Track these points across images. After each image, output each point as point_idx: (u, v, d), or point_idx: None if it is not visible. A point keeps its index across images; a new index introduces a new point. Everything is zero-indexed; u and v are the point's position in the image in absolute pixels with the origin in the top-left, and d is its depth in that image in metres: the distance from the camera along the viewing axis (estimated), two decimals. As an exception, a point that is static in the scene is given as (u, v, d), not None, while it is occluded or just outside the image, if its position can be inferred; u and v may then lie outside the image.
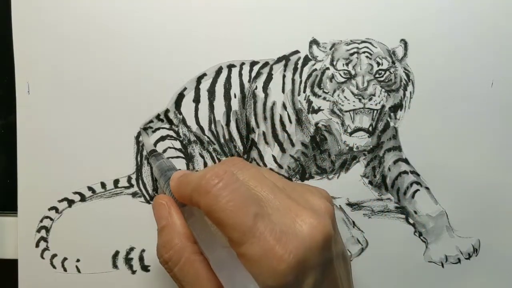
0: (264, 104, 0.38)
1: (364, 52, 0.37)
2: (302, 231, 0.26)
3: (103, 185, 0.38)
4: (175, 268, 0.29)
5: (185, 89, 0.38)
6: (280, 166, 0.38)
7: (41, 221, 0.39)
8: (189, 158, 0.39)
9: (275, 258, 0.25)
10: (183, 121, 0.38)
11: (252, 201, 0.26)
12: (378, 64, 0.37)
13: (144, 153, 0.38)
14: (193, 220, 0.30)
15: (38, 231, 0.39)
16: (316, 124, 0.38)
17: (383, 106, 0.38)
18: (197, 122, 0.38)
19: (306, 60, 0.38)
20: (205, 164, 0.39)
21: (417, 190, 0.38)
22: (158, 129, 0.38)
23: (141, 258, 0.39)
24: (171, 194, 0.31)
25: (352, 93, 0.37)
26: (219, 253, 0.28)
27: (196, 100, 0.38)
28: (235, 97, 0.38)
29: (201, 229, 0.29)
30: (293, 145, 0.38)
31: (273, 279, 0.25)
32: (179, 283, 0.29)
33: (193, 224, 0.30)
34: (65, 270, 0.39)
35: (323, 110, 0.38)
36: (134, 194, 0.39)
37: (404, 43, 0.37)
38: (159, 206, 0.30)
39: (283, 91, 0.38)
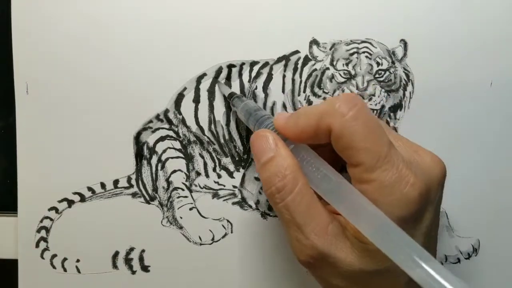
0: (264, 104, 0.38)
1: (364, 52, 0.37)
2: (425, 163, 0.28)
3: (102, 185, 0.38)
4: (288, 196, 0.27)
5: (185, 89, 0.38)
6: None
7: (41, 221, 0.39)
8: (189, 158, 0.39)
9: (409, 185, 0.25)
10: (183, 121, 0.38)
11: (384, 129, 0.27)
12: (378, 64, 0.37)
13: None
14: (300, 159, 0.28)
15: (38, 231, 0.39)
16: (316, 124, 0.38)
17: (383, 106, 0.38)
18: (197, 122, 0.38)
19: (306, 60, 0.38)
20: (205, 164, 0.39)
21: (417, 190, 0.38)
22: (158, 129, 0.38)
23: (141, 258, 0.39)
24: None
25: (352, 93, 0.37)
26: (334, 186, 0.27)
27: (196, 100, 0.38)
28: (235, 97, 0.38)
29: (310, 167, 0.28)
30: (293, 145, 0.38)
31: (405, 205, 0.25)
32: (289, 214, 0.27)
33: (301, 162, 0.28)
34: (65, 270, 0.39)
35: (323, 110, 0.38)
36: (134, 195, 0.39)
37: (404, 43, 0.37)
38: (262, 138, 0.28)
39: (283, 91, 0.38)
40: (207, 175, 0.39)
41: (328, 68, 0.37)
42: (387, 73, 0.37)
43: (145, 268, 0.39)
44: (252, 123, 0.32)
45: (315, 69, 0.38)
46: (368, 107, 0.28)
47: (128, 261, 0.39)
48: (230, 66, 0.38)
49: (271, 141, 0.28)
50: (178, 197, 0.39)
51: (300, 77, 0.38)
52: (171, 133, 0.38)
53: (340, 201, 0.26)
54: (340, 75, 0.37)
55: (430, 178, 0.27)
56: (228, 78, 0.38)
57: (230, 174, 0.39)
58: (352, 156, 0.26)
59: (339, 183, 0.27)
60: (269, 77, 0.38)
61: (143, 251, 0.39)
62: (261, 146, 0.28)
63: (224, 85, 0.37)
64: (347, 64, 0.37)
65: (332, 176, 0.27)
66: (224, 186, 0.39)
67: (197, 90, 0.38)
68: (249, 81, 0.38)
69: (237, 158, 0.39)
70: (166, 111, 0.38)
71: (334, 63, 0.37)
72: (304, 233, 0.27)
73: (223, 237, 0.39)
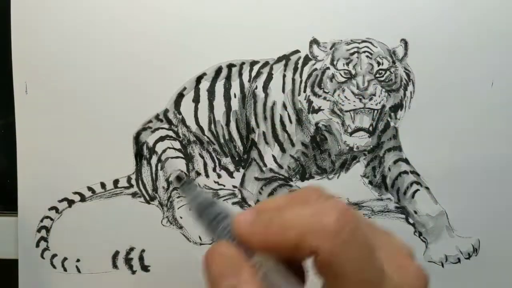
0: (264, 104, 0.38)
1: (364, 52, 0.37)
2: (412, 282, 0.24)
3: (103, 185, 0.38)
4: None
5: (184, 89, 0.38)
6: (280, 166, 0.38)
7: (41, 221, 0.39)
8: (188, 159, 0.39)
9: None
10: (183, 121, 0.38)
11: (374, 251, 0.23)
12: (379, 63, 0.37)
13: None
14: (264, 273, 0.24)
15: (38, 231, 0.39)
16: (316, 124, 0.38)
17: (383, 106, 0.37)
18: (197, 122, 0.38)
19: (307, 59, 0.37)
20: (205, 164, 0.39)
21: (417, 190, 0.38)
22: (158, 129, 0.38)
23: (141, 258, 0.39)
24: (228, 239, 0.24)
25: (353, 93, 0.37)
26: None
27: (196, 100, 0.38)
28: (235, 97, 0.38)
29: (274, 282, 0.24)
30: (293, 145, 0.38)
31: None
32: None
33: (264, 277, 0.24)
34: (65, 270, 0.39)
35: (323, 110, 0.38)
36: (134, 194, 0.39)
37: (405, 43, 0.37)
38: (221, 258, 0.23)
39: (283, 90, 0.38)
40: (207, 175, 0.39)
41: (328, 68, 0.37)
42: (388, 72, 0.37)
43: (145, 268, 0.39)
44: (204, 222, 0.26)
45: (316, 69, 0.37)
46: (361, 216, 0.23)
47: (128, 261, 0.39)
48: (230, 66, 0.38)
49: (232, 261, 0.23)
50: (178, 197, 0.39)
51: (301, 76, 0.38)
52: (170, 133, 0.38)
53: None
54: (341, 74, 0.37)
55: None
56: (228, 77, 0.38)
57: (230, 174, 0.39)
58: (337, 285, 0.22)
59: None
60: (269, 76, 0.38)
61: (143, 251, 0.39)
62: (220, 268, 0.23)
63: (171, 164, 0.34)
64: (347, 64, 0.37)
65: None
66: (224, 186, 0.39)
67: (197, 90, 0.38)
68: (249, 81, 0.38)
69: (237, 158, 0.39)
70: (165, 111, 0.38)
71: (335, 62, 0.37)
72: None
73: (223, 237, 0.39)
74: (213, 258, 0.23)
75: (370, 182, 0.39)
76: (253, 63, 0.38)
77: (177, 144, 0.38)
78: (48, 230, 0.39)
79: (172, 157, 0.38)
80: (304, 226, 0.22)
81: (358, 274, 0.22)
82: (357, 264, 0.22)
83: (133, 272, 0.39)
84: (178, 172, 0.32)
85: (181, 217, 0.39)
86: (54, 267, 0.39)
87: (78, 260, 0.39)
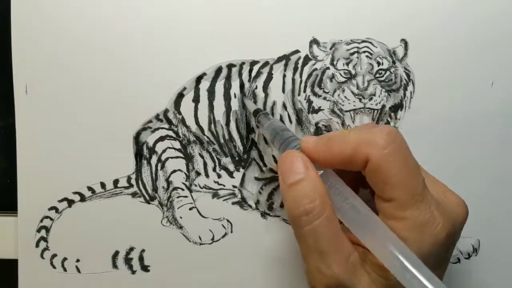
0: (264, 104, 0.38)
1: (364, 52, 0.37)
2: (452, 206, 0.28)
3: (102, 185, 0.38)
4: (316, 221, 0.26)
5: (184, 88, 0.38)
6: (280, 166, 0.38)
7: (41, 221, 0.39)
8: (188, 158, 0.39)
9: (439, 226, 0.25)
10: (183, 121, 0.38)
11: (419, 167, 0.27)
12: (379, 63, 0.37)
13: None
14: (328, 186, 0.28)
15: (38, 231, 0.39)
16: (317, 124, 0.38)
17: (383, 106, 0.37)
18: (197, 122, 0.38)
19: (306, 59, 0.37)
20: (205, 164, 0.39)
21: (417, 190, 0.38)
22: (157, 129, 0.38)
23: (141, 258, 0.39)
24: None
25: (353, 93, 0.37)
26: (362, 217, 0.26)
27: (196, 100, 0.38)
28: (235, 97, 0.38)
29: (338, 196, 0.27)
30: (293, 145, 0.38)
31: (434, 245, 0.25)
32: (314, 239, 0.26)
33: (329, 189, 0.28)
34: (65, 270, 0.39)
35: (323, 110, 0.38)
36: (133, 194, 0.39)
37: (405, 43, 0.37)
38: (292, 158, 0.28)
39: (283, 91, 0.38)
40: (207, 175, 0.39)
41: (328, 68, 0.37)
42: (388, 72, 0.37)
43: (145, 268, 0.39)
44: (278, 142, 0.31)
45: (316, 69, 0.37)
46: (406, 143, 0.27)
47: (128, 261, 0.39)
48: (230, 66, 0.38)
49: (301, 162, 0.27)
50: (178, 197, 0.39)
51: (300, 76, 0.38)
52: (170, 133, 0.38)
53: (367, 234, 0.26)
54: (341, 74, 0.37)
55: (456, 220, 0.27)
56: (228, 78, 0.38)
57: (230, 174, 0.39)
58: (386, 191, 0.26)
59: (367, 216, 0.26)
60: (269, 76, 0.38)
61: (143, 251, 0.39)
62: (290, 166, 0.27)
63: (250, 101, 0.37)
64: (347, 64, 0.37)
65: (360, 208, 0.27)
66: (224, 186, 0.39)
67: (196, 90, 0.38)
68: (249, 81, 0.38)
69: (237, 158, 0.39)
70: (165, 111, 0.38)
71: (335, 62, 0.37)
72: (326, 262, 0.26)
73: (223, 237, 0.39)
74: (285, 158, 0.28)
75: (370, 182, 0.39)
76: (253, 63, 0.38)
77: (177, 144, 0.38)
78: (48, 230, 0.39)
79: (172, 157, 0.38)
80: (359, 140, 0.26)
81: (404, 182, 0.25)
82: (402, 173, 0.25)
83: (133, 272, 0.39)
84: (256, 106, 0.36)
85: (181, 217, 0.39)
86: (54, 267, 0.39)
87: (78, 260, 0.39)
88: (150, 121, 0.38)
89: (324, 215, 0.26)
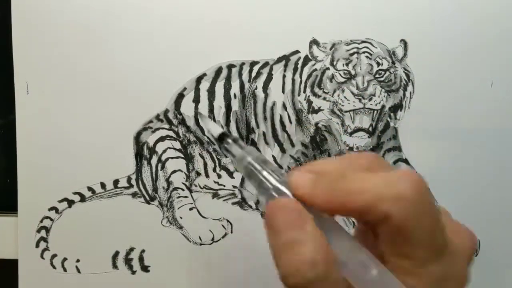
0: (264, 104, 0.38)
1: (364, 52, 0.37)
2: (465, 247, 0.25)
3: (103, 185, 0.38)
4: None
5: (184, 89, 0.38)
6: (280, 167, 0.38)
7: (41, 221, 0.39)
8: (189, 159, 0.39)
9: (462, 278, 0.24)
10: (183, 121, 0.38)
11: (440, 212, 0.23)
12: (378, 64, 0.37)
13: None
14: (328, 238, 0.23)
15: (38, 231, 0.39)
16: (316, 124, 0.38)
17: (383, 106, 0.37)
18: (197, 123, 0.38)
19: (306, 60, 0.37)
20: (205, 164, 0.39)
21: (417, 190, 0.38)
22: (158, 129, 0.38)
23: (141, 258, 0.39)
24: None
25: (352, 93, 0.37)
26: (375, 277, 0.23)
27: (196, 100, 0.38)
28: (235, 97, 0.38)
29: (339, 245, 0.23)
30: (293, 145, 0.38)
31: None
32: None
33: (328, 240, 0.24)
34: (65, 270, 0.39)
35: (323, 110, 0.38)
36: (134, 195, 0.39)
37: (404, 43, 0.37)
38: (285, 211, 0.23)
39: (283, 91, 0.38)
40: (207, 175, 0.39)
41: (328, 68, 0.37)
42: (387, 73, 0.37)
43: (145, 268, 0.39)
44: (255, 182, 0.24)
45: (315, 69, 0.38)
46: (429, 188, 0.23)
47: (128, 261, 0.39)
48: (230, 66, 0.38)
49: (297, 216, 0.23)
50: (178, 197, 0.39)
51: (300, 77, 0.38)
52: (171, 133, 0.38)
53: None
54: (340, 75, 0.37)
55: (468, 263, 0.25)
56: (228, 78, 0.38)
57: (230, 174, 0.39)
58: (405, 247, 0.22)
59: (382, 274, 0.23)
60: (269, 77, 0.38)
61: (143, 251, 0.39)
62: (283, 221, 0.23)
63: (211, 121, 0.29)
64: (347, 64, 0.37)
65: (373, 265, 0.23)
66: (224, 186, 0.39)
67: (197, 90, 0.38)
68: (249, 81, 0.38)
69: (237, 158, 0.39)
70: (166, 111, 0.38)
71: (334, 63, 0.37)
72: None
73: (223, 237, 0.39)
74: (277, 210, 0.23)
75: (370, 182, 0.39)
76: (253, 64, 0.38)
77: (177, 144, 0.38)
78: (48, 230, 0.39)
79: (172, 157, 0.38)
80: (377, 193, 0.22)
81: (429, 239, 0.22)
82: (428, 230, 0.22)
83: (133, 272, 0.39)
84: (221, 130, 0.27)
85: (181, 217, 0.39)
86: (54, 267, 0.39)
87: (78, 261, 0.39)
88: (151, 121, 0.38)
89: (328, 281, 0.22)
